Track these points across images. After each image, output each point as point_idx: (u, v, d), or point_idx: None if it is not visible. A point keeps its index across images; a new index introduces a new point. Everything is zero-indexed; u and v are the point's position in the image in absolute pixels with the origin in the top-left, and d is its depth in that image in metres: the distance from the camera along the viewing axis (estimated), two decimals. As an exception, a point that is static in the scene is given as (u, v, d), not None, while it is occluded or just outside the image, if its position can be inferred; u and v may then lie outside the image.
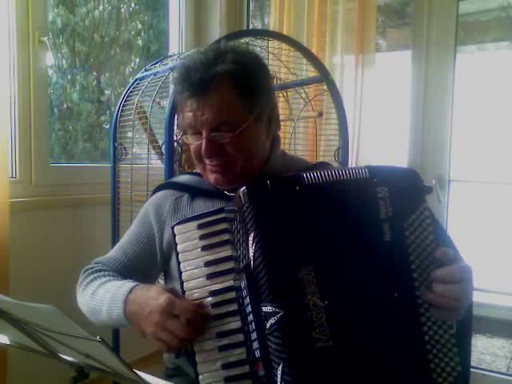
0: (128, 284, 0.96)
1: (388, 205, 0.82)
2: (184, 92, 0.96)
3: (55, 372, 1.49)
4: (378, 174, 0.84)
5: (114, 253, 1.14)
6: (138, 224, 1.14)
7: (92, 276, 1.08)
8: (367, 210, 0.82)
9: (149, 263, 1.11)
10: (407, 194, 0.83)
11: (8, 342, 0.68)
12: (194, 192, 1.09)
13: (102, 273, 1.08)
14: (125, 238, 1.15)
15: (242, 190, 0.84)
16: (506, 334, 2.49)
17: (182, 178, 1.16)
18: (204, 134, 0.97)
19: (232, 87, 0.95)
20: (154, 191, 1.17)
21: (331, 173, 0.84)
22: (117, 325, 0.98)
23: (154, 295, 0.88)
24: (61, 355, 0.64)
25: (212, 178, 1.02)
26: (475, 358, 2.35)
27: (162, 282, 1.24)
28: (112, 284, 1.01)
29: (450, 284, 0.79)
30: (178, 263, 0.90)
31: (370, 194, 0.83)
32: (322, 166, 1.14)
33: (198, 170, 1.09)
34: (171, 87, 1.68)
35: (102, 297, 0.99)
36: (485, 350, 2.43)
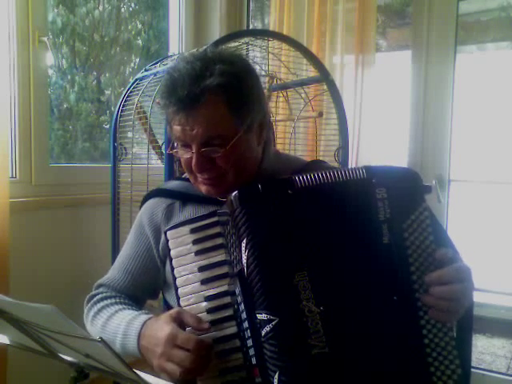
0: (141, 318, 0.94)
1: (386, 206, 0.81)
2: (171, 106, 0.92)
3: (55, 372, 1.49)
4: (376, 175, 0.82)
5: (115, 272, 1.11)
6: (135, 236, 1.11)
7: (99, 305, 1.05)
8: (365, 211, 0.81)
9: (152, 275, 1.09)
10: (406, 195, 0.82)
11: (8, 342, 0.68)
12: (186, 198, 1.07)
13: (109, 300, 1.05)
14: (123, 254, 1.12)
15: (233, 194, 0.82)
16: (506, 334, 2.49)
17: (172, 185, 1.14)
18: (194, 149, 0.94)
19: (222, 101, 0.91)
20: (145, 199, 1.14)
21: (326, 174, 0.82)
22: (130, 356, 0.96)
23: (159, 326, 0.86)
24: (61, 355, 0.64)
25: (203, 189, 1.00)
26: (475, 358, 2.35)
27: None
28: (123, 316, 0.98)
29: (446, 285, 0.79)
30: (172, 269, 0.89)
31: (368, 195, 0.81)
32: (315, 164, 1.12)
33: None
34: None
35: (114, 330, 0.96)
36: (485, 350, 2.43)
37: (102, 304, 1.05)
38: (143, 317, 0.94)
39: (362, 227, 0.82)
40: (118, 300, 1.06)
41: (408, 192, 0.82)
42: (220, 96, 0.91)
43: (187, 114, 0.91)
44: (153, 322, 0.90)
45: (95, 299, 1.08)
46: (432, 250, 0.81)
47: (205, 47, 1.45)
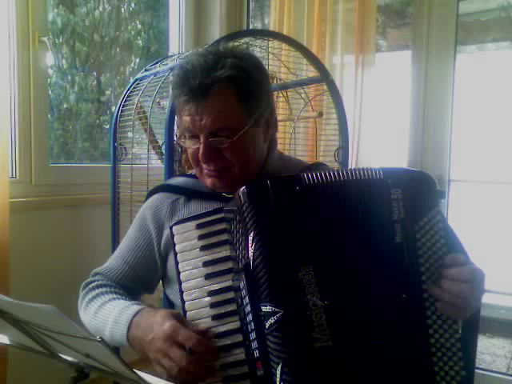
0: (134, 307, 0.94)
1: (401, 206, 0.82)
2: (182, 96, 0.95)
3: (55, 372, 1.49)
4: (392, 176, 0.84)
5: (113, 262, 1.12)
6: (136, 229, 1.12)
7: (94, 292, 1.06)
8: (379, 210, 0.83)
9: (149, 269, 1.10)
10: (420, 197, 0.83)
11: (8, 342, 0.68)
12: (191, 194, 1.08)
13: (104, 289, 1.06)
14: (123, 245, 1.13)
15: (241, 189, 0.84)
16: (506, 333, 2.50)
17: (177, 181, 1.15)
18: (202, 139, 0.96)
19: (231, 93, 0.94)
20: (149, 194, 1.15)
21: (335, 173, 0.84)
22: (119, 345, 0.95)
23: (159, 320, 0.85)
24: (61, 355, 0.64)
25: (209, 182, 1.01)
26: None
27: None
28: (116, 304, 0.98)
29: (458, 282, 0.80)
30: (177, 263, 0.90)
31: (383, 194, 0.83)
32: (318, 166, 1.14)
33: (193, 172, 1.08)
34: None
35: (105, 317, 0.97)
36: (485, 350, 2.43)
37: (96, 291, 1.06)
38: (136, 307, 0.94)
39: (374, 225, 0.83)
40: (112, 289, 1.06)
41: (422, 195, 0.84)
42: (229, 88, 0.94)
43: (197, 104, 0.94)
44: (149, 314, 0.90)
45: (90, 286, 1.08)
46: (443, 253, 0.82)
47: (212, 42, 1.45)
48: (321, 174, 0.84)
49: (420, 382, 0.81)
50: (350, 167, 2.03)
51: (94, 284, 1.08)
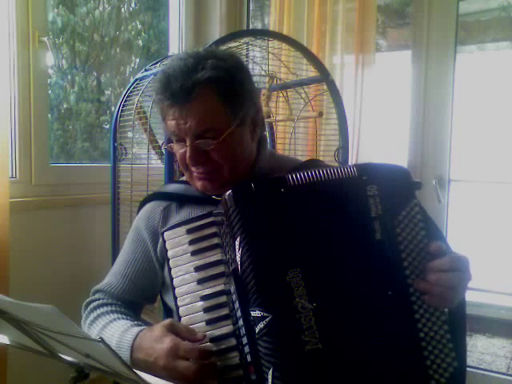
0: (133, 330, 0.93)
1: (378, 203, 0.82)
2: (165, 101, 0.95)
3: (55, 372, 1.49)
4: (366, 172, 0.83)
5: (112, 277, 1.11)
6: (132, 241, 1.11)
7: (95, 313, 1.05)
8: (357, 208, 0.82)
9: (150, 279, 1.09)
10: (397, 191, 0.83)
11: (8, 342, 0.68)
12: (182, 199, 1.08)
13: (105, 308, 1.05)
14: (120, 259, 1.12)
15: (227, 193, 0.84)
16: (506, 334, 2.50)
17: (169, 188, 1.15)
18: (188, 142, 0.95)
19: (214, 93, 0.94)
20: (141, 205, 1.14)
21: (319, 172, 0.83)
22: None
23: (157, 337, 0.86)
24: (61, 355, 0.64)
25: (199, 185, 1.01)
26: (475, 358, 2.35)
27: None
28: (116, 327, 0.97)
29: (444, 272, 0.80)
30: (169, 269, 0.90)
31: (359, 192, 0.82)
32: (311, 163, 1.13)
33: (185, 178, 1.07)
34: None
35: (108, 342, 0.97)
36: (485, 350, 2.44)
37: (97, 312, 1.05)
38: (135, 329, 0.93)
39: (354, 224, 0.82)
40: (113, 308, 1.05)
41: (398, 188, 0.83)
42: (212, 89, 0.93)
43: (180, 108, 0.94)
44: (147, 335, 0.90)
45: (91, 306, 1.07)
46: (425, 245, 0.82)
47: (212, 42, 1.45)
48: (307, 174, 0.83)
49: (413, 377, 0.80)
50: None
51: (94, 304, 1.07)
